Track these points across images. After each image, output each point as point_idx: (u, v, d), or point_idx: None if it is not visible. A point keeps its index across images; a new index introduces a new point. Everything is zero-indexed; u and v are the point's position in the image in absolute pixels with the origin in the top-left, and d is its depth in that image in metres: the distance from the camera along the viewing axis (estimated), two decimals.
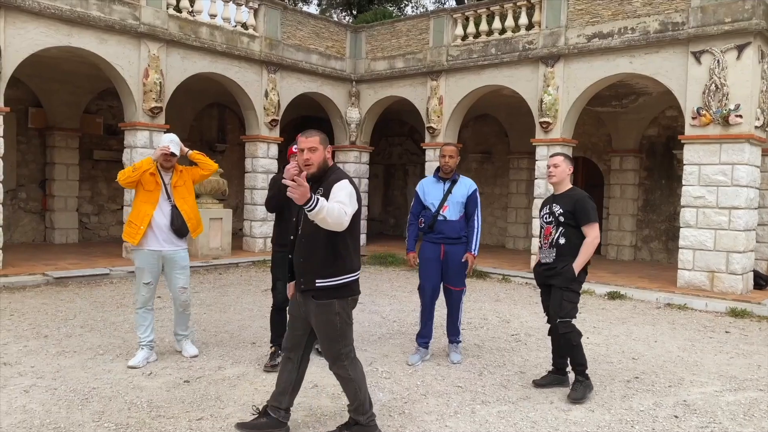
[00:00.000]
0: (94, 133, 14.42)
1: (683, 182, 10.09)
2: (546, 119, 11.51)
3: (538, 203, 11.88)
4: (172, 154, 5.19)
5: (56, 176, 13.56)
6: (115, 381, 4.85)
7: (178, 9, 11.69)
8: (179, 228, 5.23)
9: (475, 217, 5.57)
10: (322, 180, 3.52)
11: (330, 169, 3.57)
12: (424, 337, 5.75)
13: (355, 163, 15.06)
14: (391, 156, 19.72)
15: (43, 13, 9.68)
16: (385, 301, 8.92)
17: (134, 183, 5.20)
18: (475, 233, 5.55)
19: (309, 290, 3.52)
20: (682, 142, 10.13)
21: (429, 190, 5.66)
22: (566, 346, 4.72)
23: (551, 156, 4.88)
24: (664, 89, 12.46)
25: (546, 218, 4.82)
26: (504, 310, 8.55)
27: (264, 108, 12.99)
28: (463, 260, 5.53)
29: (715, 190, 9.72)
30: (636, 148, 14.35)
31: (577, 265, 4.61)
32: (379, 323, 7.39)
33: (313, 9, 25.15)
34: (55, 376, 4.95)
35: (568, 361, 4.85)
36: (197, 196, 12.51)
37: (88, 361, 5.37)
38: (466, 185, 5.62)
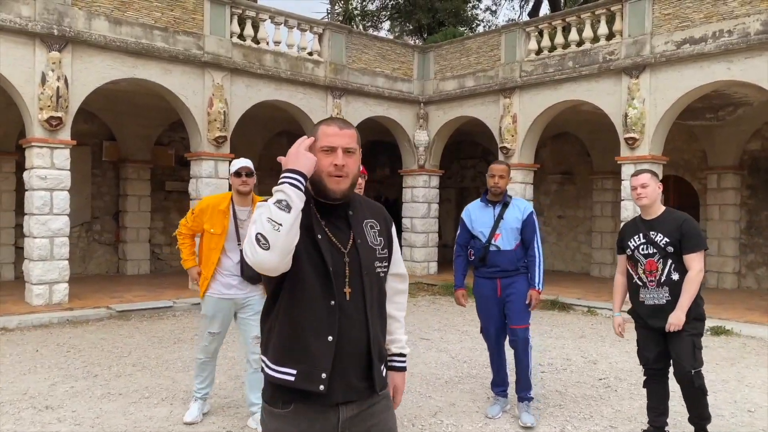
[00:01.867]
0: (166, 165, 14.56)
1: None
2: (632, 135, 10.50)
3: None
4: (248, 174, 4.36)
5: (129, 208, 13.71)
6: (155, 430, 4.44)
7: (242, 37, 11.59)
8: (252, 277, 4.39)
9: (535, 245, 4.69)
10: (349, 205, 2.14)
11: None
12: (499, 386, 4.97)
13: (425, 187, 14.45)
14: (464, 179, 18.98)
15: (109, 46, 9.74)
16: (456, 337, 8.16)
17: (195, 232, 4.59)
18: (537, 264, 4.66)
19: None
20: None
21: (477, 216, 4.84)
22: (698, 399, 3.95)
23: (635, 175, 4.05)
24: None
25: (643, 249, 3.96)
26: (590, 348, 7.61)
27: None
28: (526, 302, 4.69)
29: None
30: (736, 165, 12.97)
31: (684, 308, 3.81)
32: (447, 364, 6.67)
33: (383, 34, 25.05)
34: (93, 423, 4.63)
35: (688, 417, 4.10)
36: None
37: (131, 406, 5.02)
38: (519, 208, 4.76)
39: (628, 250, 4.04)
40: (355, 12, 21.98)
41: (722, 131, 12.96)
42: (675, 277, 3.85)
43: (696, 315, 3.90)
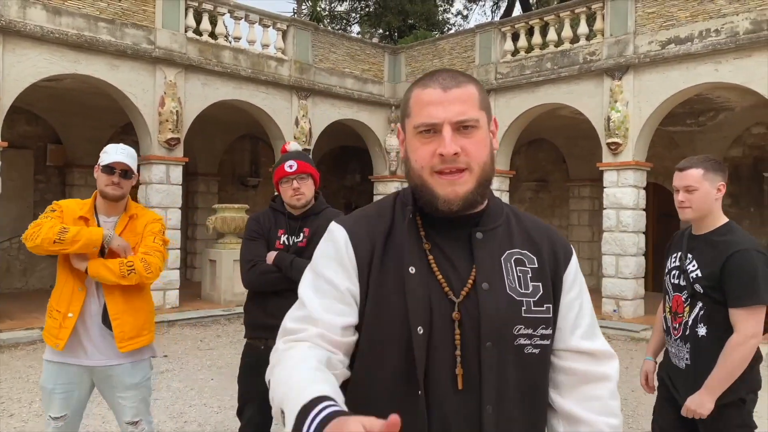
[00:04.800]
0: None
1: None
2: (615, 140, 9.91)
3: (608, 237, 10.24)
4: (124, 173, 2.86)
5: None
6: None
7: (198, 32, 10.72)
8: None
9: None
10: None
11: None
12: None
13: None
14: None
15: (47, 38, 8.78)
16: None
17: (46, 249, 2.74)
18: None
19: None
20: None
21: None
22: None
23: (680, 169, 2.60)
24: (750, 103, 10.77)
25: (674, 277, 2.64)
26: None
27: (294, 137, 11.82)
28: None
29: None
30: None
31: (713, 391, 2.40)
32: None
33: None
34: None
35: None
36: (221, 235, 11.62)
37: None
38: None
39: (666, 276, 2.73)
40: (323, 13, 21.22)
41: (703, 137, 12.52)
42: (701, 331, 2.47)
43: (749, 386, 2.48)
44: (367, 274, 1.19)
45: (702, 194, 2.51)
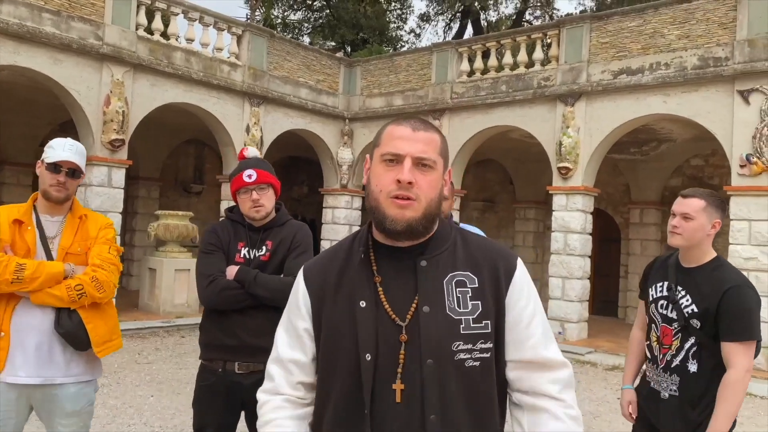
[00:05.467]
0: None
1: (730, 240, 8.65)
2: (566, 164, 10.10)
3: (555, 260, 10.39)
4: (72, 173, 2.57)
5: None
6: None
7: (149, 30, 10.30)
8: (72, 334, 2.52)
9: None
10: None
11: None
12: None
13: (347, 208, 13.54)
14: None
15: None
16: None
17: None
18: None
19: None
20: (729, 193, 8.71)
21: None
22: None
23: (684, 195, 2.58)
24: (690, 136, 11.22)
25: (662, 307, 2.62)
26: None
27: (245, 144, 11.51)
28: None
29: None
30: (658, 201, 12.96)
31: (724, 429, 2.38)
32: None
33: None
34: None
35: None
36: (162, 243, 11.13)
37: None
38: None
39: (648, 299, 2.71)
40: (276, 21, 20.94)
41: (646, 166, 12.95)
42: (692, 368, 2.49)
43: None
44: (319, 309, 1.38)
45: (696, 225, 2.50)
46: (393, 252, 1.36)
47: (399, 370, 1.29)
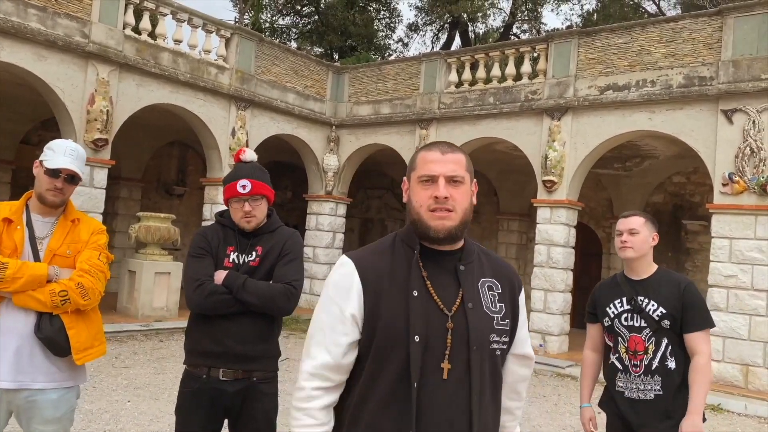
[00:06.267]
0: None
1: (711, 257, 8.74)
2: (550, 177, 10.15)
3: (538, 272, 10.42)
4: (71, 178, 2.55)
5: None
6: None
7: (137, 30, 10.19)
8: (51, 339, 2.45)
9: None
10: None
11: None
12: None
13: (331, 215, 13.48)
14: (369, 209, 18.20)
15: None
16: None
17: None
18: None
19: None
20: (711, 211, 8.82)
21: None
22: None
23: (624, 216, 3.05)
24: (673, 153, 11.36)
25: (626, 320, 2.91)
26: None
27: (230, 148, 11.41)
28: None
29: (749, 269, 8.35)
30: None
31: (699, 411, 2.76)
32: None
33: None
34: None
35: None
36: (143, 245, 10.95)
37: None
38: None
39: (606, 319, 2.97)
40: (265, 25, 20.87)
41: (628, 182, 13.08)
42: (671, 365, 2.81)
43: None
44: (375, 299, 1.56)
45: (642, 237, 2.93)
46: (435, 254, 1.61)
47: (447, 352, 1.53)
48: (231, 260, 2.73)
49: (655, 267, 2.98)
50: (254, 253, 2.75)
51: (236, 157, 2.94)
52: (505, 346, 1.64)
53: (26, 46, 8.72)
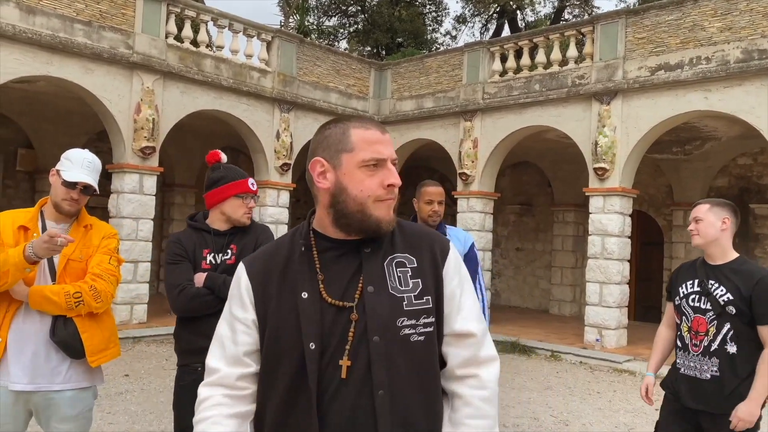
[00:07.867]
0: None
1: None
2: (602, 165, 9.73)
3: (592, 264, 10.01)
4: (85, 189, 2.63)
5: None
6: None
7: (179, 38, 10.40)
8: (66, 342, 2.53)
9: (477, 281, 3.59)
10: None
11: None
12: None
13: None
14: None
15: (19, 38, 8.41)
16: None
17: None
18: (482, 301, 3.55)
19: None
20: None
21: None
22: None
23: (695, 204, 3.11)
24: (736, 133, 10.70)
25: (693, 300, 2.98)
26: (559, 404, 6.62)
27: (275, 150, 11.51)
28: None
29: None
30: None
31: (760, 399, 2.75)
32: None
33: None
34: None
35: None
36: None
37: None
38: (460, 239, 3.71)
39: (677, 298, 3.06)
40: (311, 27, 21.02)
41: (689, 166, 12.42)
42: (731, 349, 2.84)
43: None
44: (263, 303, 1.42)
45: (706, 224, 2.95)
46: (339, 244, 1.43)
47: (347, 347, 1.35)
48: (208, 262, 2.85)
49: (734, 255, 2.99)
50: (229, 251, 2.87)
51: (213, 158, 3.01)
52: (430, 328, 1.40)
53: (74, 60, 9.03)
